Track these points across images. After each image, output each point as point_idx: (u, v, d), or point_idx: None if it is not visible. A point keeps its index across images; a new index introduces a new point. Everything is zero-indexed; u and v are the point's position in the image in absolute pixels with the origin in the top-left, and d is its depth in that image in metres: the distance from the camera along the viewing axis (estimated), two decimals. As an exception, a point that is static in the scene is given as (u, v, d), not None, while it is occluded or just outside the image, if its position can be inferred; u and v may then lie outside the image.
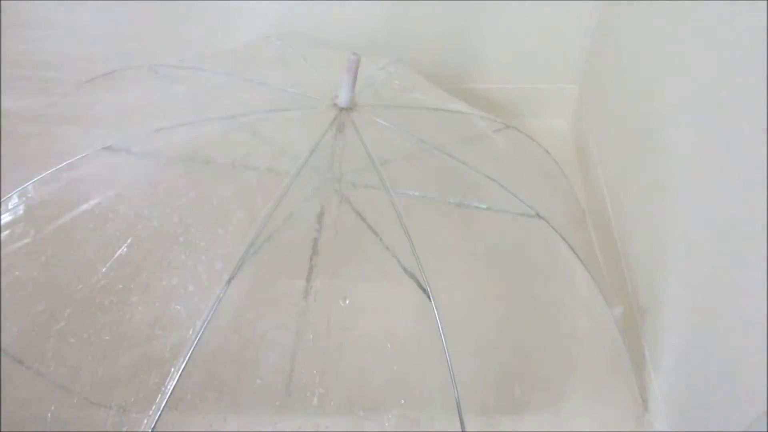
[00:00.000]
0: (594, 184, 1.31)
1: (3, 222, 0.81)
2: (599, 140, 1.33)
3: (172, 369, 0.73)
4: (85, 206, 0.82)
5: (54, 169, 0.82)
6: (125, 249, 0.81)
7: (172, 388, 0.73)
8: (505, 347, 0.88)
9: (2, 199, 0.81)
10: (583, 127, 1.44)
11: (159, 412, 0.73)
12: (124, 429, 0.75)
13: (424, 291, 0.79)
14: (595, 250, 1.24)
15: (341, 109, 0.88)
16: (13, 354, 0.80)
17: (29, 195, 0.82)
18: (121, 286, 0.80)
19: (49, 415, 0.78)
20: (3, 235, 0.80)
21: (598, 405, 0.94)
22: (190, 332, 0.74)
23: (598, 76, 1.36)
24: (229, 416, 0.82)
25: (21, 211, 0.81)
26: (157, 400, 0.73)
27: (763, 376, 0.72)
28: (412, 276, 0.80)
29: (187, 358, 0.73)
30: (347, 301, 0.83)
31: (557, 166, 1.19)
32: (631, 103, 1.17)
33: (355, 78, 0.85)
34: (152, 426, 0.72)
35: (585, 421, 0.91)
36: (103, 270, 0.80)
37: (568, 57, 1.43)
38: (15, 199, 0.81)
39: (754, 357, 0.75)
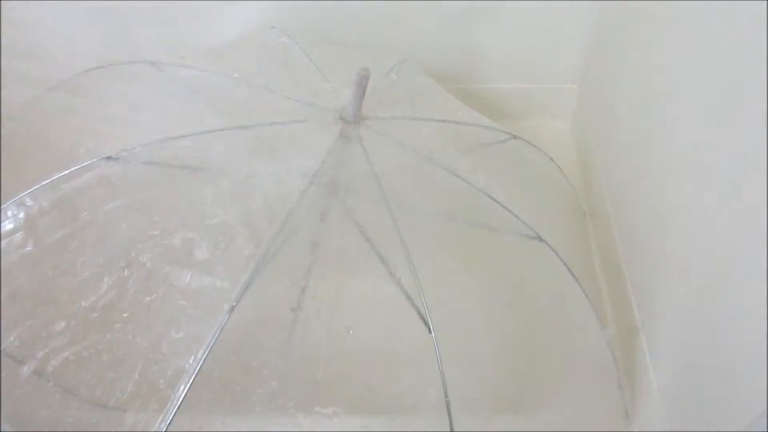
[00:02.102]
0: (594, 184, 1.31)
1: (3, 231, 0.81)
2: (599, 140, 1.33)
3: (173, 395, 0.73)
4: (84, 219, 0.82)
5: (53, 178, 0.82)
6: (125, 268, 0.80)
7: (181, 397, 0.73)
8: (500, 362, 0.89)
9: (1, 207, 0.81)
10: (583, 127, 1.44)
11: (170, 417, 0.73)
12: (123, 429, 0.75)
13: (422, 316, 0.79)
14: (593, 254, 1.24)
15: (347, 123, 0.87)
16: (13, 356, 0.80)
17: (28, 204, 0.81)
18: (121, 307, 0.80)
19: (48, 415, 0.79)
20: (3, 244, 0.80)
21: (583, 419, 0.95)
22: (191, 360, 0.74)
23: (598, 76, 1.35)
24: (228, 417, 0.82)
25: (20, 221, 0.81)
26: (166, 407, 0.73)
27: (763, 376, 0.72)
28: (410, 297, 0.81)
29: (188, 385, 0.73)
30: (345, 313, 0.84)
31: (561, 174, 1.19)
32: (631, 103, 1.17)
33: (363, 94, 0.84)
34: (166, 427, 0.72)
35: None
36: (103, 289, 0.80)
37: (568, 57, 1.42)
38: (14, 208, 0.81)
39: (754, 357, 0.74)
